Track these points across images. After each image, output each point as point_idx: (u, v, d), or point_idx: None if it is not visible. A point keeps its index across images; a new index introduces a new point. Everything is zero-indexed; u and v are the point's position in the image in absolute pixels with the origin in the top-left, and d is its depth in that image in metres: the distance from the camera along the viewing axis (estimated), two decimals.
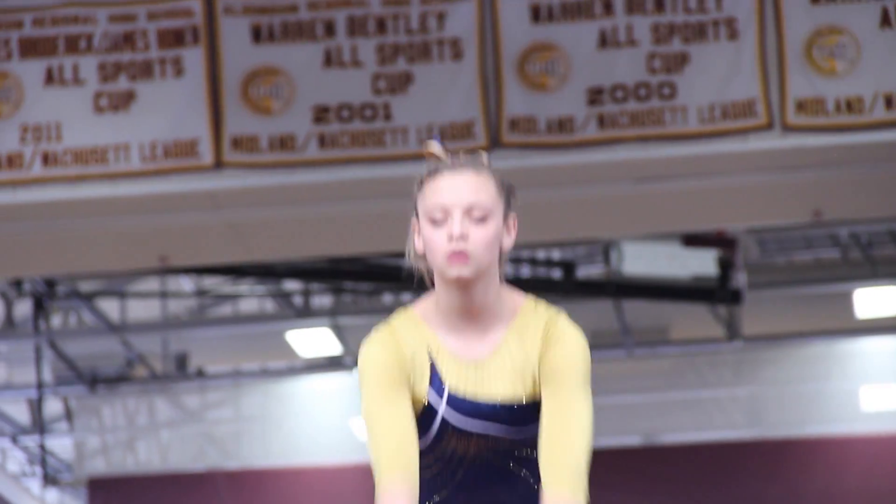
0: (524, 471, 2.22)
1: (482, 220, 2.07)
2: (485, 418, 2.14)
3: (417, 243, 2.09)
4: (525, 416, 2.15)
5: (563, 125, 5.39)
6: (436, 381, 2.13)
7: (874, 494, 12.30)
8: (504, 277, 2.19)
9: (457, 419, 2.14)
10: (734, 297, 8.86)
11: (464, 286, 2.02)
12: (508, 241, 2.15)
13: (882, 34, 5.42)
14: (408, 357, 2.10)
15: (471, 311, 2.06)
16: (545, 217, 5.92)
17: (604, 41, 5.48)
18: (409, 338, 2.09)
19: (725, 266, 8.75)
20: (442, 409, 2.15)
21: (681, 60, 5.47)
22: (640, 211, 6.37)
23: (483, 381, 2.14)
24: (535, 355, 2.12)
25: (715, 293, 8.78)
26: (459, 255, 2.03)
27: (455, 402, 2.13)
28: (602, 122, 5.43)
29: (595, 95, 5.39)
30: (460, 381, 2.13)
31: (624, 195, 6.03)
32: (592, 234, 7.94)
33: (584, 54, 5.36)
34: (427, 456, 2.20)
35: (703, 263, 8.59)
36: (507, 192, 2.15)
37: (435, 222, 2.06)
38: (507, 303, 2.11)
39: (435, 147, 2.17)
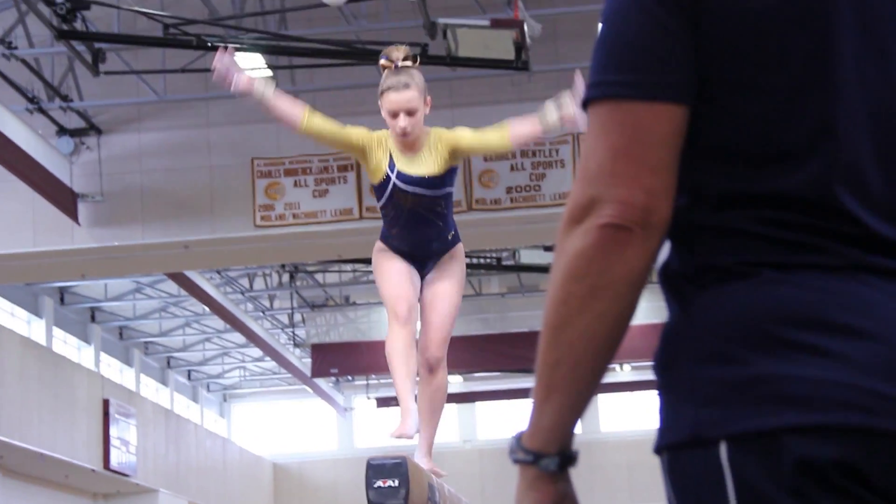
0: (439, 221, 4.24)
1: (411, 112, 3.99)
2: (415, 184, 4.07)
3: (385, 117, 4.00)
4: (437, 182, 4.08)
5: None
6: (392, 165, 4.04)
7: None
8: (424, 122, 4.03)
9: (401, 185, 4.04)
10: None
11: (405, 144, 4.06)
12: (427, 110, 4.05)
13: None
14: (381, 141, 4.14)
15: (406, 143, 4.07)
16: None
17: None
18: (384, 138, 4.14)
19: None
20: (393, 177, 4.07)
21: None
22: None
23: (414, 167, 4.06)
24: (440, 148, 4.09)
25: None
26: (403, 133, 4.04)
27: (400, 176, 4.03)
28: None
29: None
30: (404, 166, 4.04)
31: None
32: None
33: None
34: (386, 207, 4.10)
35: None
36: (425, 90, 4.08)
37: (392, 115, 4.03)
38: (423, 133, 4.09)
39: (385, 61, 3.96)
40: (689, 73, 1.21)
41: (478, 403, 26.92)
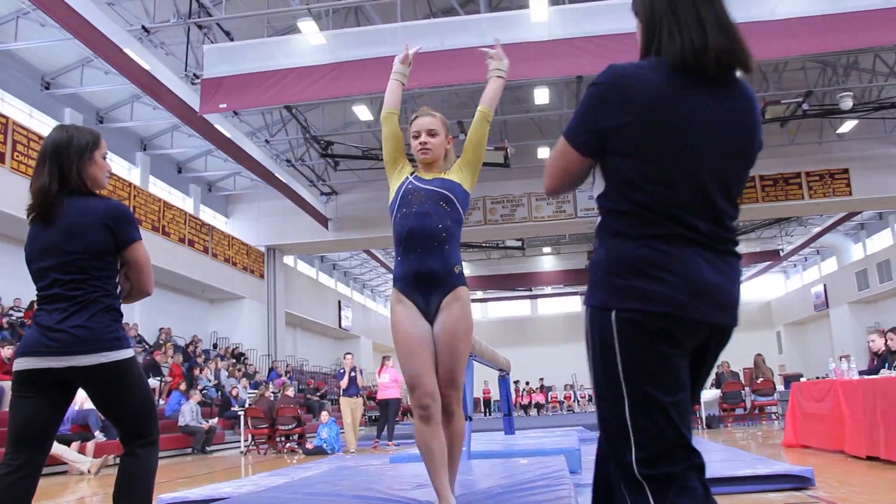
0: (445, 220, 5.12)
1: (432, 133, 5.38)
2: (428, 184, 5.27)
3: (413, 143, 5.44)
4: (447, 183, 5.24)
5: None
6: (412, 175, 5.30)
7: None
8: (447, 160, 5.48)
9: (417, 184, 5.29)
10: None
11: (425, 165, 5.33)
12: (448, 145, 5.40)
13: None
14: (409, 167, 5.36)
15: (426, 161, 5.32)
16: None
17: None
18: (411, 168, 5.37)
19: None
20: (411, 179, 5.34)
21: None
22: None
23: (428, 178, 5.26)
24: (454, 169, 5.34)
25: None
26: (423, 147, 5.35)
27: (417, 179, 5.29)
28: None
29: None
30: (421, 176, 5.29)
31: None
32: None
33: None
34: (398, 212, 5.17)
35: None
36: (447, 126, 5.41)
37: (416, 136, 5.42)
38: (440, 163, 5.32)
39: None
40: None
41: None
